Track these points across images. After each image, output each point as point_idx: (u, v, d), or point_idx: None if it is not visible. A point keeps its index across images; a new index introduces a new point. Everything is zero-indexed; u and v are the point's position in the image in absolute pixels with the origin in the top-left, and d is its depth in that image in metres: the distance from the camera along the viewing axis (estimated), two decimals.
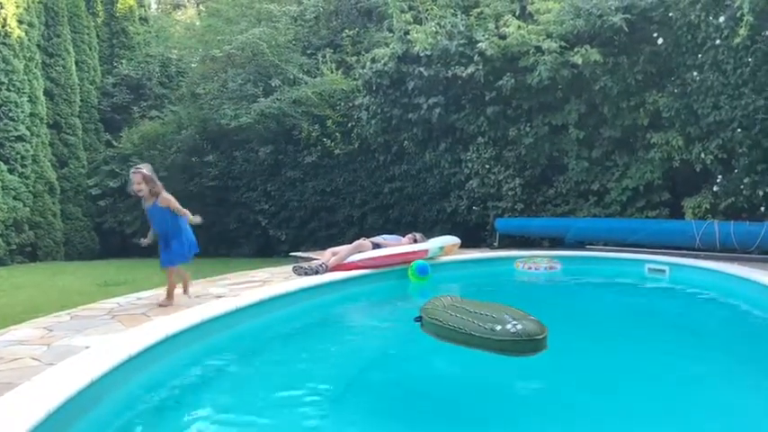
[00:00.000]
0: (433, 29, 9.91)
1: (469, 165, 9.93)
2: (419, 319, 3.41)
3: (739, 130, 7.62)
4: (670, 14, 8.25)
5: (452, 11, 10.24)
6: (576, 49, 8.51)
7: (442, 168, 10.36)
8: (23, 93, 13.82)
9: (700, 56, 7.95)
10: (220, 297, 5.17)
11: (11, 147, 13.43)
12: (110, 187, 15.02)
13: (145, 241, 5.27)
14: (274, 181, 12.99)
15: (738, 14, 7.18)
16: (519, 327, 2.84)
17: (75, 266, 12.66)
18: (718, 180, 8.03)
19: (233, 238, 13.74)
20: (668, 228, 8.15)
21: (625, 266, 7.45)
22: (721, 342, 4.64)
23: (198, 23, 18.95)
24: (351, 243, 6.90)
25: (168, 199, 4.97)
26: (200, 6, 22.54)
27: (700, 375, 3.72)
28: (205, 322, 4.20)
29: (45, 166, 14.55)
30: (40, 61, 14.74)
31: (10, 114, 13.40)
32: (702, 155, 8.02)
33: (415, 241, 7.32)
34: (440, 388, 3.54)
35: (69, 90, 15.63)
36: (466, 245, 8.64)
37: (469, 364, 3.57)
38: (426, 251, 7.14)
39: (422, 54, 9.79)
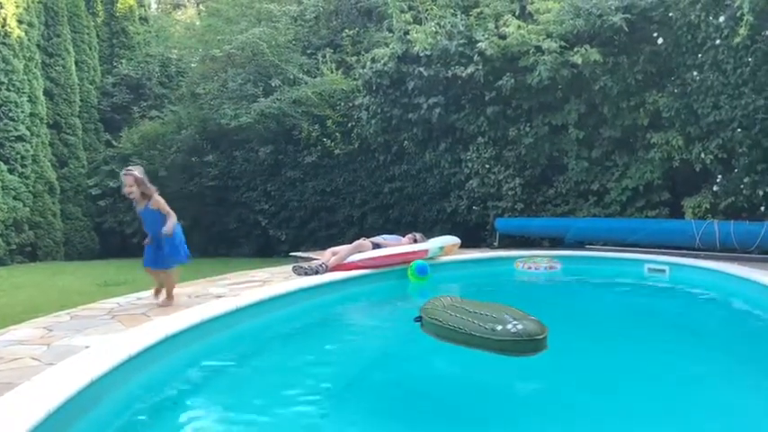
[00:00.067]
0: (433, 29, 9.91)
1: (469, 165, 9.93)
2: (419, 319, 3.41)
3: (739, 129, 7.62)
4: (670, 14, 8.26)
5: (452, 11, 10.24)
6: (575, 49, 8.51)
7: (442, 168, 10.36)
8: (23, 93, 13.81)
9: (700, 56, 7.95)
10: (220, 297, 5.16)
11: (11, 147, 13.42)
12: (110, 187, 15.00)
13: (147, 241, 5.26)
14: (274, 181, 12.99)
15: (738, 14, 7.18)
16: (519, 327, 2.84)
17: (75, 266, 12.66)
18: (718, 180, 8.03)
19: (233, 237, 13.74)
20: (668, 227, 8.15)
21: (625, 266, 7.45)
22: (721, 342, 4.64)
23: (198, 23, 18.94)
24: (351, 243, 6.90)
25: (159, 201, 4.93)
26: (200, 6, 22.54)
27: (700, 375, 3.72)
28: (205, 322, 4.20)
29: (45, 166, 14.54)
30: (39, 61, 14.73)
31: (10, 114, 13.39)
32: (702, 155, 8.02)
33: (415, 241, 7.32)
34: (440, 388, 3.54)
35: (69, 90, 15.62)
36: (466, 245, 8.64)
37: (469, 364, 3.57)
38: (426, 251, 7.14)
39: (422, 54, 9.79)
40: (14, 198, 13.39)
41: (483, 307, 3.16)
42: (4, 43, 13.37)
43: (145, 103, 16.75)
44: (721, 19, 7.53)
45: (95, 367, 2.99)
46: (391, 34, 10.81)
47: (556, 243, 9.24)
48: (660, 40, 8.35)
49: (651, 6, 8.36)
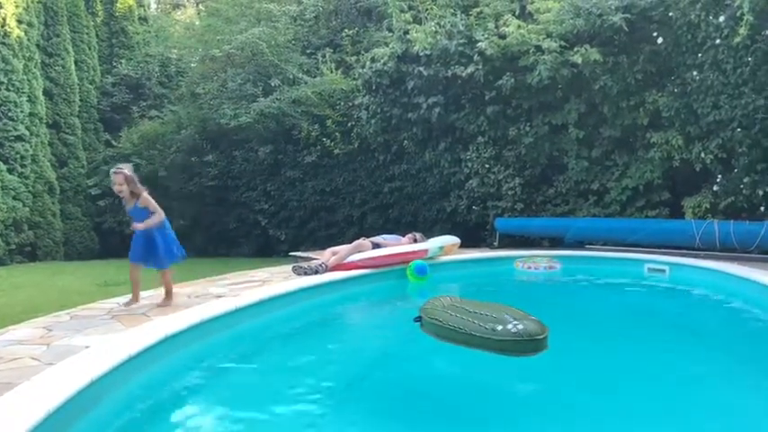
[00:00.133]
0: (433, 28, 9.91)
1: (469, 164, 9.93)
2: (419, 319, 3.41)
3: (739, 129, 7.62)
4: (670, 14, 8.25)
5: (452, 10, 10.23)
6: (575, 49, 8.51)
7: (442, 168, 10.36)
8: (23, 92, 13.80)
9: (700, 55, 7.95)
10: (220, 297, 5.16)
11: (10, 147, 13.41)
12: (109, 187, 14.93)
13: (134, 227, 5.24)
14: (274, 181, 12.98)
15: (738, 14, 7.18)
16: (520, 327, 2.84)
17: (75, 266, 12.64)
18: (717, 179, 8.04)
19: (232, 237, 13.74)
20: (668, 227, 8.15)
21: (625, 266, 7.45)
22: (721, 342, 4.64)
23: (197, 23, 18.94)
24: (350, 243, 6.90)
25: (147, 199, 4.92)
26: (200, 6, 22.54)
27: (700, 375, 3.71)
28: (205, 322, 4.19)
29: (44, 165, 14.53)
30: (39, 61, 14.72)
31: (9, 114, 13.38)
32: (702, 154, 8.02)
33: (415, 241, 7.31)
34: (440, 388, 3.54)
35: (69, 90, 15.61)
36: (466, 245, 8.63)
37: (469, 364, 3.56)
38: (426, 251, 7.13)
39: (421, 54, 9.79)
40: (14, 198, 13.38)
41: (483, 307, 3.15)
42: (3, 43, 13.36)
43: (144, 103, 16.75)
44: (721, 19, 7.53)
45: (95, 367, 2.98)
46: (391, 34, 10.81)
47: (556, 243, 9.23)
48: (660, 40, 8.35)
49: (651, 6, 8.36)
